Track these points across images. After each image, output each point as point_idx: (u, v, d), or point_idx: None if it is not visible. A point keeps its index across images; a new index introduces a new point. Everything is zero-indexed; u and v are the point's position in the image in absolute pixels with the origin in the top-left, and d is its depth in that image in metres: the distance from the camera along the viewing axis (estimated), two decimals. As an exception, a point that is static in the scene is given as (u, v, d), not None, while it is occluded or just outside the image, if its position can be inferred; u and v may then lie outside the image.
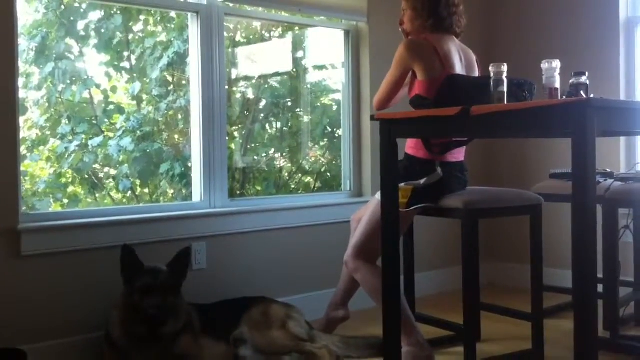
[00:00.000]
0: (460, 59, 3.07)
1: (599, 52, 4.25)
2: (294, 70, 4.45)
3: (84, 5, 3.60)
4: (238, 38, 4.26)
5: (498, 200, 3.00)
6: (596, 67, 3.98)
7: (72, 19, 3.60)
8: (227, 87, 3.80)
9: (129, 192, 3.84)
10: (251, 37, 4.33)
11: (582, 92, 2.34)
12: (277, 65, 4.38)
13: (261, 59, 4.30)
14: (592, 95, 2.36)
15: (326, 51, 4.41)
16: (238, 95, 4.22)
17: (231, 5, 3.73)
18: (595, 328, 2.11)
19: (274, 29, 4.36)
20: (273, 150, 4.40)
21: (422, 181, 2.98)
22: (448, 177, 3.02)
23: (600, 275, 2.99)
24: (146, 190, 3.89)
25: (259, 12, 3.96)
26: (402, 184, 2.96)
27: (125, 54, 3.82)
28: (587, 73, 2.40)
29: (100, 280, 3.09)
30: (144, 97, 3.86)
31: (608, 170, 3.57)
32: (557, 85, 2.38)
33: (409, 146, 3.09)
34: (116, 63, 3.77)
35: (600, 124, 2.10)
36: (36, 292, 2.96)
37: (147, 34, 3.91)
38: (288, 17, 4.12)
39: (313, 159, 4.53)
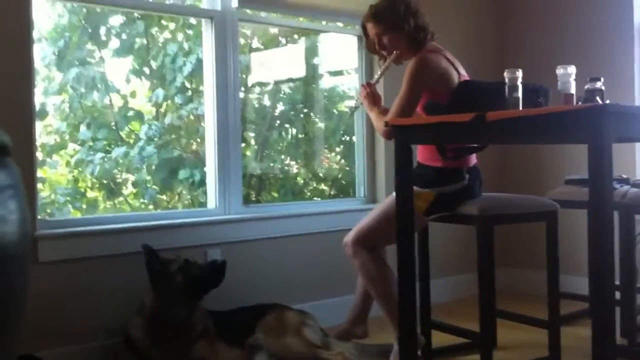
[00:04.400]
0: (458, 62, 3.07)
1: (613, 58, 4.23)
2: (309, 76, 4.45)
3: (106, 10, 3.61)
4: (255, 44, 4.28)
5: (513, 207, 2.99)
6: (611, 72, 3.96)
7: (95, 24, 3.62)
8: (243, 93, 3.80)
9: (148, 199, 3.86)
10: (268, 43, 4.35)
11: (597, 98, 2.33)
12: (293, 71, 4.39)
13: (277, 65, 4.31)
14: (607, 101, 2.35)
15: (341, 57, 4.41)
16: (255, 102, 4.23)
17: (248, 11, 3.75)
18: (612, 335, 2.10)
19: (290, 34, 4.37)
20: (289, 157, 4.41)
21: (447, 187, 2.97)
22: (473, 184, 3.01)
23: (617, 282, 2.98)
24: (164, 197, 3.90)
25: (273, 18, 3.97)
26: (426, 190, 2.95)
27: (147, 59, 3.84)
28: (602, 79, 2.39)
29: (117, 287, 3.10)
30: (165, 104, 3.87)
31: (624, 176, 3.55)
32: (573, 91, 2.37)
33: (432, 158, 3.02)
34: (137, 68, 3.79)
35: (616, 129, 2.09)
36: (53, 299, 2.97)
37: (168, 40, 3.92)
38: (302, 22, 4.13)
39: (327, 165, 4.53)
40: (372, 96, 3.15)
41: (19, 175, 2.21)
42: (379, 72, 3.18)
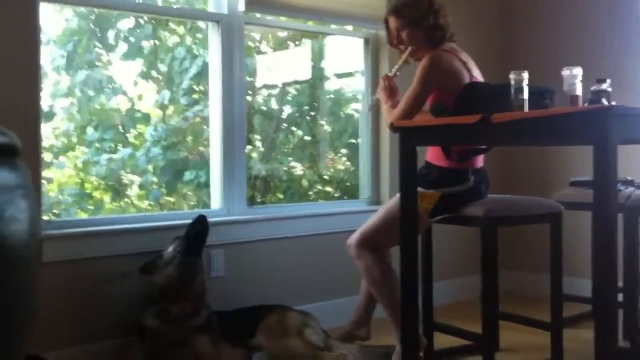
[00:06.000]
0: (473, 64, 3.07)
1: (620, 59, 4.22)
2: (316, 78, 4.46)
3: (115, 13, 3.63)
4: (264, 47, 4.28)
5: (518, 208, 2.99)
6: (617, 74, 3.94)
7: (103, 27, 3.64)
8: (250, 96, 3.80)
9: (153, 200, 3.87)
10: (276, 46, 4.35)
11: (603, 100, 2.33)
12: (300, 73, 4.39)
13: (284, 68, 4.32)
14: (613, 103, 2.35)
15: (347, 60, 4.42)
16: (262, 104, 4.23)
17: (257, 15, 3.76)
18: (615, 338, 2.10)
19: (297, 37, 4.38)
20: (295, 159, 4.41)
21: (451, 189, 2.97)
22: (478, 185, 3.02)
23: (620, 284, 2.98)
24: (171, 199, 3.91)
25: (279, 21, 3.98)
26: (431, 190, 2.95)
27: (154, 62, 3.86)
28: (608, 80, 2.39)
29: (122, 287, 3.11)
30: (172, 106, 3.88)
31: (629, 178, 3.54)
32: (579, 92, 2.37)
33: (439, 157, 3.03)
34: (145, 70, 3.80)
35: (621, 131, 2.09)
36: (58, 299, 2.97)
37: (176, 43, 3.94)
38: (308, 25, 4.13)
39: (332, 167, 4.53)
40: (389, 89, 3.16)
41: (29, 176, 2.23)
42: (396, 66, 3.19)
